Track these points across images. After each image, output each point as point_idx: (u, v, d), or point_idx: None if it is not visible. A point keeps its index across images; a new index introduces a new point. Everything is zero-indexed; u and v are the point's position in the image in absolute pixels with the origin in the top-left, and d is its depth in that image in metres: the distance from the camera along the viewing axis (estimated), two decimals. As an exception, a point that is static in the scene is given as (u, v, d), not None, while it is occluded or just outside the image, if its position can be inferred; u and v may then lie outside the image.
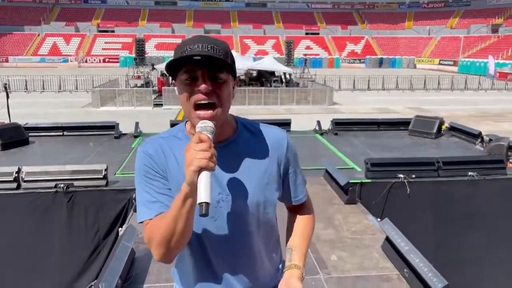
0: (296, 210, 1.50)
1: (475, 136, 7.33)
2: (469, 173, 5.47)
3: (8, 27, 52.95)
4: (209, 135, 1.13)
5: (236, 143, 1.31)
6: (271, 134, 1.36)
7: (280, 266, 1.48)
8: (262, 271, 1.39)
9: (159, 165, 1.26)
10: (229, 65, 1.20)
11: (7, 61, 46.16)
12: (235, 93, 1.30)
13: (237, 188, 1.27)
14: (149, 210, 1.22)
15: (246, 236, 1.31)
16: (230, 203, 1.26)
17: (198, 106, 1.19)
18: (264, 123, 1.43)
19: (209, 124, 1.16)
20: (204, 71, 1.17)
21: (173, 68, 1.20)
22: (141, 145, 1.34)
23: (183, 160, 1.11)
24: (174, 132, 1.34)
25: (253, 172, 1.29)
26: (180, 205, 1.11)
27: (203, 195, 1.06)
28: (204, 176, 1.07)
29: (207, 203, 1.05)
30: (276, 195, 1.36)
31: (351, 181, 4.95)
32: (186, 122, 1.34)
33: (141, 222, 1.24)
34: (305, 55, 37.61)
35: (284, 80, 22.30)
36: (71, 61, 47.84)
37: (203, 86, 1.17)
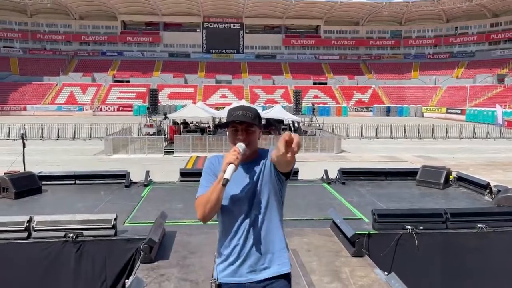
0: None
1: (483, 186, 7.29)
2: (478, 225, 5.41)
3: (28, 77, 55.35)
4: (240, 150, 2.12)
5: (254, 162, 2.29)
6: (269, 151, 2.29)
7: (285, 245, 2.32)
8: (271, 241, 2.23)
9: (215, 168, 2.26)
10: (255, 123, 2.24)
11: (25, 109, 47.81)
12: (260, 135, 2.31)
13: (251, 185, 2.23)
14: (202, 189, 2.20)
15: (261, 215, 2.21)
16: (247, 194, 2.22)
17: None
18: None
19: (243, 145, 2.17)
20: (242, 127, 2.22)
21: (227, 123, 2.24)
22: (210, 157, 2.42)
23: None
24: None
25: (259, 174, 2.25)
26: (216, 183, 2.08)
27: (226, 174, 2.02)
28: (230, 167, 2.04)
29: (227, 179, 2.01)
30: (278, 183, 2.25)
31: (358, 232, 4.93)
32: None
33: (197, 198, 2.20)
34: (313, 104, 38.32)
35: (292, 128, 22.65)
36: (86, 109, 49.33)
37: (241, 137, 2.20)
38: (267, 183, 2.22)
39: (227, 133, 2.27)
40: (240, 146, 2.13)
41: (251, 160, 2.27)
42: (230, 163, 2.04)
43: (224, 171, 2.03)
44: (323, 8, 65.34)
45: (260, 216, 2.20)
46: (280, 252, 2.25)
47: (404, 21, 68.24)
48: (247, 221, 2.19)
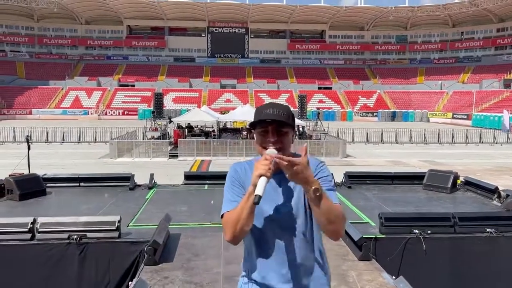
0: None
1: (492, 191, 7.19)
2: (487, 230, 5.32)
3: (34, 81, 55.77)
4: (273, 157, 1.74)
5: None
6: (311, 162, 1.88)
7: (327, 277, 1.98)
8: (308, 272, 1.90)
9: (241, 178, 1.92)
10: (289, 123, 1.87)
11: (30, 113, 48.11)
12: (294, 139, 1.96)
13: (285, 201, 1.89)
14: (229, 205, 1.85)
15: (292, 231, 1.87)
16: (280, 211, 1.87)
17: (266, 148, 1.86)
18: None
19: (274, 152, 1.78)
20: (273, 127, 1.85)
21: (254, 124, 1.88)
22: (233, 164, 2.02)
23: None
24: (254, 161, 1.92)
25: (295, 189, 1.90)
26: (246, 199, 1.74)
27: (258, 190, 1.67)
28: (262, 180, 1.69)
29: (259, 196, 1.65)
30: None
31: (365, 236, 4.87)
32: (260, 155, 1.93)
33: (222, 216, 1.85)
34: (318, 108, 38.28)
35: (297, 132, 22.59)
36: (91, 113, 49.56)
37: (272, 140, 1.85)
38: (302, 198, 1.89)
39: (255, 135, 1.94)
40: (272, 153, 1.77)
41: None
42: (261, 175, 1.69)
43: (255, 185, 1.69)
44: (328, 13, 65.43)
45: (296, 240, 1.86)
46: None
47: (410, 26, 68.15)
48: (281, 245, 1.87)
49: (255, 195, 1.66)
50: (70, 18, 64.88)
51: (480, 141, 25.77)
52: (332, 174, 1.95)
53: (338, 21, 67.40)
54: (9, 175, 7.21)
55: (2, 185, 7.07)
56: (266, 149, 1.82)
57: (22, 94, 51.99)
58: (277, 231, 1.87)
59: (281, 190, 1.90)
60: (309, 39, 70.40)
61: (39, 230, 4.90)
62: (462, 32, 65.60)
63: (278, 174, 1.84)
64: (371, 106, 55.25)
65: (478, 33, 64.06)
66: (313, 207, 1.76)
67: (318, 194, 1.71)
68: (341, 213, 1.81)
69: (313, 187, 1.70)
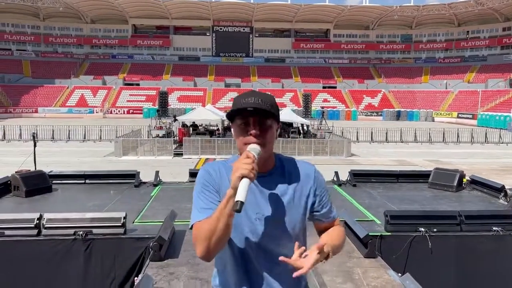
0: (326, 229, 1.76)
1: (498, 190, 7.14)
2: (494, 228, 5.29)
3: (40, 80, 56.05)
4: (255, 155, 1.49)
5: (274, 176, 1.65)
6: (302, 168, 1.71)
7: (304, 283, 1.73)
8: (290, 279, 1.58)
9: (215, 182, 1.61)
10: (273, 114, 1.60)
11: (36, 111, 48.37)
12: (278, 134, 1.69)
13: (270, 210, 1.60)
14: (200, 214, 1.53)
15: (277, 249, 1.59)
16: (263, 221, 1.59)
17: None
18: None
19: (257, 147, 1.53)
20: (254, 119, 1.57)
21: (232, 114, 1.60)
22: (204, 165, 1.71)
23: None
24: (230, 161, 1.66)
25: (285, 199, 1.63)
26: (224, 205, 1.43)
27: (240, 195, 1.38)
28: (244, 182, 1.40)
29: (242, 202, 1.37)
30: (303, 218, 1.67)
31: (370, 234, 4.85)
32: (239, 154, 1.65)
33: (191, 227, 1.55)
34: (322, 107, 38.18)
35: (301, 131, 22.55)
36: (96, 112, 49.75)
37: (254, 132, 1.56)
38: (292, 212, 1.62)
39: (232, 129, 1.64)
40: (254, 149, 1.51)
41: (266, 171, 1.63)
42: (243, 177, 1.40)
43: (235, 189, 1.40)
44: (333, 12, 65.26)
45: (279, 253, 1.54)
46: None
47: (415, 25, 67.82)
48: (261, 259, 1.59)
49: (236, 201, 1.37)
50: (75, 17, 65.13)
51: (485, 141, 25.62)
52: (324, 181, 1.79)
53: (343, 20, 67.20)
54: (16, 172, 7.25)
55: (9, 182, 7.11)
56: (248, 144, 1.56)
57: (28, 93, 52.27)
58: (260, 245, 1.58)
59: (266, 196, 1.61)
60: (314, 38, 70.26)
61: (45, 226, 4.93)
62: (468, 31, 65.19)
63: (263, 177, 1.59)
64: (376, 106, 55.07)
65: (483, 32, 63.64)
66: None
67: (329, 255, 1.55)
68: (343, 233, 1.73)
69: (329, 254, 1.53)
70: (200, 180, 1.62)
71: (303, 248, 1.50)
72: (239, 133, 1.60)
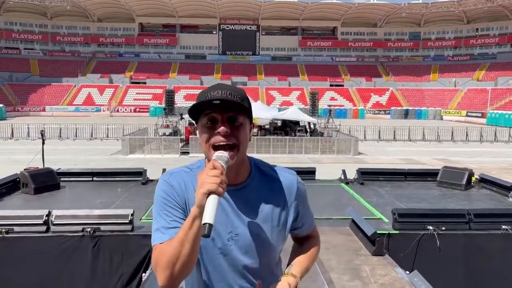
0: (303, 240, 1.62)
1: (508, 188, 7.07)
2: (503, 227, 5.24)
3: (47, 78, 56.49)
4: (223, 164, 1.23)
5: (249, 188, 1.41)
6: (282, 177, 1.47)
7: None
8: None
9: (179, 196, 1.35)
10: (245, 109, 1.34)
11: (44, 110, 48.76)
12: (251, 135, 1.43)
13: (246, 229, 1.37)
14: (163, 235, 1.29)
15: (253, 271, 1.40)
16: (239, 242, 1.37)
17: (216, 147, 1.31)
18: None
19: (225, 154, 1.27)
20: (223, 115, 1.30)
21: (196, 112, 1.35)
22: (164, 175, 1.42)
23: None
24: (194, 167, 1.44)
25: (262, 215, 1.40)
26: (188, 227, 1.19)
27: (207, 216, 1.14)
28: (212, 200, 1.16)
29: (210, 224, 1.13)
30: (283, 237, 1.47)
31: (378, 231, 4.83)
32: (205, 159, 1.43)
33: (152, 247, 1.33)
34: (329, 105, 38.06)
35: (308, 129, 22.50)
36: (103, 110, 50.02)
37: (222, 129, 1.29)
38: (270, 230, 1.41)
39: (197, 130, 1.39)
40: (221, 158, 1.25)
41: (239, 182, 1.40)
42: (210, 193, 1.16)
43: (201, 208, 1.17)
44: (341, 10, 64.92)
45: (256, 274, 1.41)
46: None
47: (423, 23, 67.26)
48: (236, 280, 1.40)
49: (204, 223, 1.14)
50: (82, 15, 65.50)
51: (495, 139, 25.37)
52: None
53: (350, 18, 66.84)
54: (24, 169, 7.32)
55: (18, 179, 7.19)
56: (216, 148, 1.30)
57: (35, 91, 52.69)
58: (234, 267, 1.38)
59: (239, 213, 1.37)
60: (321, 36, 69.95)
61: (54, 222, 4.97)
62: (477, 29, 64.48)
63: (236, 190, 1.37)
64: (384, 104, 54.74)
65: (493, 29, 62.93)
66: None
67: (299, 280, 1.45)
68: (317, 250, 1.61)
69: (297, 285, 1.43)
70: (160, 194, 1.36)
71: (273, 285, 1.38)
72: (205, 133, 1.32)
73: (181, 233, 1.21)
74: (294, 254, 1.58)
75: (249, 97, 1.40)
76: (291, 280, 1.42)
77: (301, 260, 1.54)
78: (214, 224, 1.14)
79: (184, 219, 1.26)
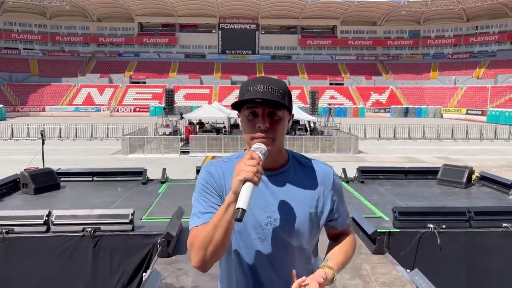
0: (338, 237, 1.62)
1: (508, 186, 7.06)
2: (503, 224, 5.23)
3: (47, 78, 56.48)
4: (260, 155, 1.33)
5: (286, 174, 1.48)
6: (319, 168, 1.54)
7: None
8: None
9: (217, 184, 1.45)
10: (285, 105, 1.41)
11: (44, 110, 48.75)
12: (290, 125, 1.52)
13: (283, 214, 1.42)
14: (198, 219, 1.39)
15: (290, 256, 1.44)
16: (276, 226, 1.42)
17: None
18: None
19: (263, 146, 1.36)
20: (263, 109, 1.39)
21: (239, 104, 1.43)
22: (204, 165, 1.53)
23: None
24: (234, 157, 1.53)
25: (299, 201, 1.45)
26: (222, 212, 1.28)
27: (242, 202, 1.23)
28: (247, 187, 1.25)
29: (243, 210, 1.22)
30: (318, 226, 1.51)
31: (378, 230, 4.83)
32: (245, 150, 1.51)
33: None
34: (329, 104, 38.02)
35: (308, 128, 22.49)
36: (103, 110, 50.01)
37: (262, 127, 1.38)
38: (306, 218, 1.44)
39: (240, 121, 1.48)
40: (259, 149, 1.34)
41: (277, 168, 1.48)
42: (246, 181, 1.25)
43: (236, 194, 1.25)
44: (340, 8, 64.86)
45: (289, 263, 1.43)
46: None
47: (423, 21, 67.22)
48: (269, 268, 1.43)
49: (237, 208, 1.22)
50: (82, 15, 65.46)
51: (495, 137, 25.36)
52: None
53: (350, 16, 66.78)
54: (24, 170, 7.31)
55: (18, 179, 7.18)
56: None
57: (35, 91, 52.67)
58: (269, 253, 1.41)
59: (277, 197, 1.43)
60: (321, 34, 69.91)
61: (54, 222, 4.97)
62: (477, 27, 64.44)
63: (268, 175, 1.42)
64: (384, 102, 54.73)
65: (493, 27, 62.86)
66: None
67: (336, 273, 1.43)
68: (354, 245, 1.59)
69: (334, 277, 1.41)
70: (200, 181, 1.47)
71: (303, 278, 1.34)
72: (246, 125, 1.42)
73: (215, 218, 1.29)
74: (329, 250, 1.59)
75: (288, 87, 1.47)
76: (328, 271, 1.41)
77: (336, 254, 1.54)
78: (248, 209, 1.23)
79: (220, 205, 1.34)
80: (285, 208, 1.42)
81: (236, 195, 1.25)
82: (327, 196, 1.50)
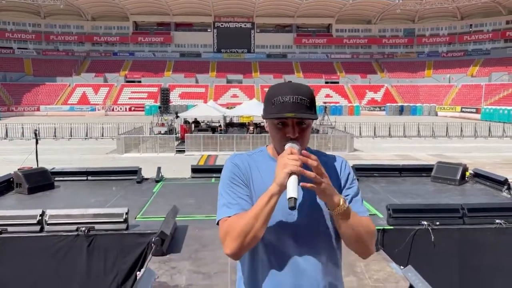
0: None
1: (501, 183, 7.11)
2: (497, 221, 5.27)
3: (41, 78, 56.17)
4: (297, 151, 1.42)
5: (305, 164, 1.51)
6: (332, 159, 1.64)
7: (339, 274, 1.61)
8: (326, 276, 1.52)
9: (244, 175, 1.53)
10: (312, 114, 1.49)
11: (38, 110, 48.49)
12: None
13: (306, 198, 1.49)
14: (229, 209, 1.45)
15: (310, 240, 1.50)
16: (298, 210, 1.46)
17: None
18: None
19: (296, 145, 1.44)
20: (293, 120, 1.46)
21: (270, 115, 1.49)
22: (229, 158, 1.60)
23: (266, 175, 1.47)
24: (257, 152, 1.63)
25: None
26: (265, 202, 1.36)
27: (292, 192, 1.31)
28: (294, 179, 1.34)
29: (295, 198, 1.31)
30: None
31: (372, 227, 4.84)
32: (266, 146, 1.63)
33: (217, 223, 1.47)
34: (325, 103, 38.07)
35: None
36: (98, 109, 49.81)
37: (292, 136, 1.46)
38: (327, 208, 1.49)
39: (268, 125, 1.54)
40: (294, 146, 1.44)
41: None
42: (292, 173, 1.34)
43: (282, 186, 1.34)
44: (335, 7, 64.95)
45: (319, 257, 1.50)
46: None
47: (418, 19, 67.46)
48: (292, 249, 1.49)
49: (290, 197, 1.30)
50: (76, 14, 65.12)
51: (489, 135, 25.52)
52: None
53: (345, 15, 66.89)
54: (18, 169, 7.27)
55: (11, 179, 7.13)
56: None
57: (29, 91, 52.37)
58: (293, 235, 1.49)
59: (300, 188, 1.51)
60: (316, 33, 70.00)
61: (48, 222, 4.94)
62: (471, 25, 64.76)
63: None
64: (379, 100, 54.90)
65: (487, 25, 63.21)
66: (340, 221, 1.44)
67: (345, 208, 1.43)
68: (372, 228, 1.53)
69: (340, 202, 1.42)
70: (227, 174, 1.52)
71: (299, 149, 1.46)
72: (276, 133, 1.49)
73: (256, 208, 1.37)
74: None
75: (313, 93, 1.53)
76: (338, 196, 1.44)
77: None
78: (298, 199, 1.32)
79: (248, 196, 1.48)
80: (306, 193, 1.47)
81: (281, 187, 1.34)
82: (342, 182, 1.58)
